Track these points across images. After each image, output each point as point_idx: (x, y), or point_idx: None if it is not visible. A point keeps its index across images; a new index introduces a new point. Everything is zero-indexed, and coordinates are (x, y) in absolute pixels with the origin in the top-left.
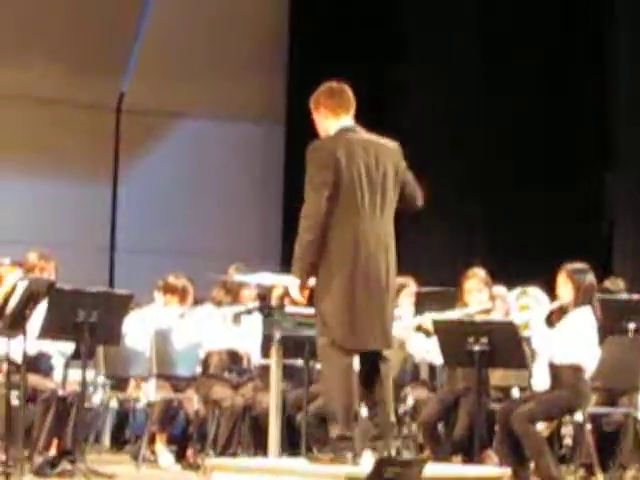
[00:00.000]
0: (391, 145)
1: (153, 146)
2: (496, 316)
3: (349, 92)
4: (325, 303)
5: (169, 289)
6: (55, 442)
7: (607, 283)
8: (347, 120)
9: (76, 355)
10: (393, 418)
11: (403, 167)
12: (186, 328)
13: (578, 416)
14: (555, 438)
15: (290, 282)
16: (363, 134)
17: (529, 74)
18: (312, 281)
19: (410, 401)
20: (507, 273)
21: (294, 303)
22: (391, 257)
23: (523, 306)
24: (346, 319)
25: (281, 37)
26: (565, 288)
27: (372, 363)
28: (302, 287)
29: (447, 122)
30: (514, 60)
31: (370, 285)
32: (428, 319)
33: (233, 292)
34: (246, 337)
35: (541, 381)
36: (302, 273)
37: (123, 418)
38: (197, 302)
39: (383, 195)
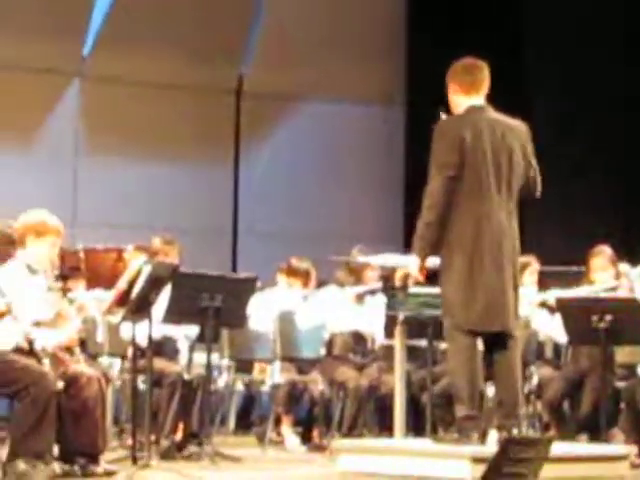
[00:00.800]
0: (519, 126)
1: (273, 129)
2: (621, 293)
3: (485, 71)
4: (447, 284)
5: (292, 272)
6: (181, 426)
7: None
8: (477, 99)
9: (201, 338)
10: (520, 397)
11: (530, 149)
12: (310, 310)
13: None
14: None
15: (410, 261)
16: (491, 113)
17: None
18: (432, 261)
19: (535, 380)
20: (631, 251)
21: (418, 283)
22: (514, 237)
23: None
24: (469, 300)
25: (400, 18)
26: None
27: (497, 343)
28: (421, 266)
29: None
30: None
31: (492, 266)
32: (552, 296)
33: (356, 273)
34: (370, 318)
35: None
36: (421, 252)
37: (248, 401)
38: (320, 284)
39: (508, 175)
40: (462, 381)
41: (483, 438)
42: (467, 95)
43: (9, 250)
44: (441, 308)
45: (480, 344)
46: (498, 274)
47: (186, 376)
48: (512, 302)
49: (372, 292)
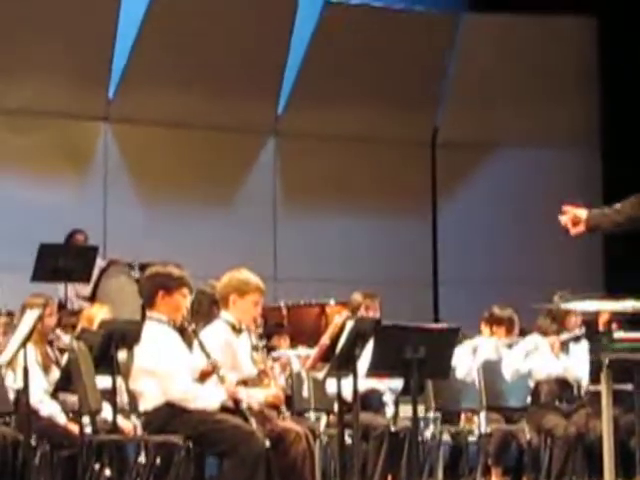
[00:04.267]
0: None
1: (469, 178)
2: None
3: None
4: None
5: (495, 320)
6: (390, 478)
7: None
8: None
9: (406, 391)
10: None
11: None
12: (514, 358)
13: None
14: None
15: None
16: None
17: None
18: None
19: None
20: None
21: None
22: None
23: None
24: None
25: (592, 63)
26: None
27: None
28: (580, 219)
29: None
30: None
31: None
32: None
33: (559, 320)
34: (574, 364)
35: None
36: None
37: (455, 451)
38: (523, 332)
39: None
40: None
41: None
42: None
43: (213, 310)
44: None
45: None
46: None
47: (393, 429)
48: None
49: (576, 339)
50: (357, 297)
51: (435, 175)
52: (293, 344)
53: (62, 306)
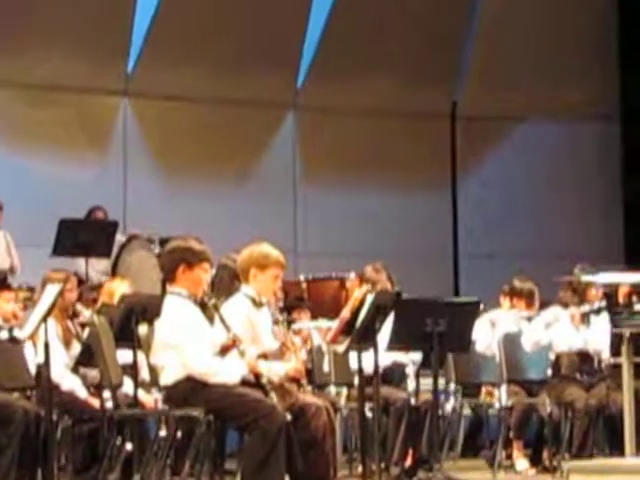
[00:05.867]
0: None
1: (488, 151)
2: None
3: None
4: None
5: (515, 293)
6: (410, 452)
7: None
8: None
9: (425, 364)
10: None
11: None
12: (535, 330)
13: None
14: None
15: None
16: None
17: None
18: None
19: None
20: None
21: None
22: None
23: None
24: None
25: (611, 35)
26: None
27: None
28: None
29: None
30: None
31: None
32: None
33: (580, 292)
34: (595, 337)
35: None
36: None
37: (476, 424)
38: (543, 305)
39: None
40: None
41: None
42: None
43: (234, 284)
44: None
45: None
46: None
47: (413, 402)
48: None
49: (597, 311)
50: (367, 271)
51: (455, 148)
52: (314, 317)
53: (81, 281)
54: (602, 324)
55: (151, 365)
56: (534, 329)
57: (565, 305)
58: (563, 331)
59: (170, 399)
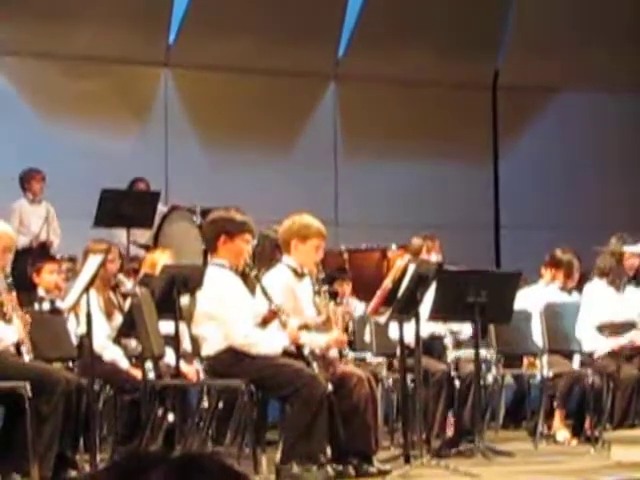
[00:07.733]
0: None
1: (530, 121)
2: None
3: None
4: None
5: (556, 264)
6: (453, 422)
7: None
8: None
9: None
10: None
11: None
12: (575, 301)
13: None
14: None
15: None
16: None
17: None
18: None
19: None
20: None
21: None
22: None
23: None
24: None
25: None
26: None
27: None
28: None
29: None
30: None
31: None
32: None
33: (617, 261)
34: (632, 306)
35: None
36: None
37: (518, 395)
38: (584, 277)
39: None
40: None
41: None
42: None
43: (275, 254)
44: None
45: None
46: None
47: (453, 373)
48: None
49: (637, 283)
50: (417, 240)
51: (496, 118)
52: (355, 289)
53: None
54: (637, 293)
55: (193, 336)
56: (576, 300)
57: (604, 274)
58: (602, 301)
59: (212, 370)
